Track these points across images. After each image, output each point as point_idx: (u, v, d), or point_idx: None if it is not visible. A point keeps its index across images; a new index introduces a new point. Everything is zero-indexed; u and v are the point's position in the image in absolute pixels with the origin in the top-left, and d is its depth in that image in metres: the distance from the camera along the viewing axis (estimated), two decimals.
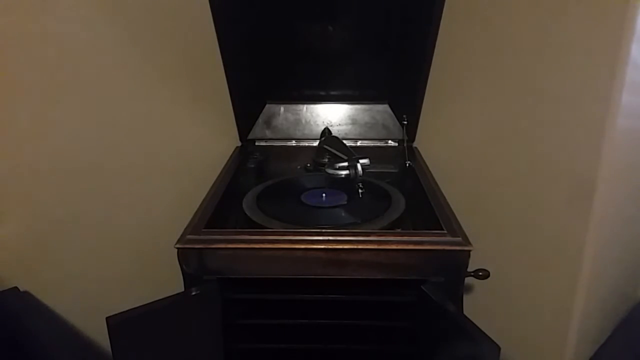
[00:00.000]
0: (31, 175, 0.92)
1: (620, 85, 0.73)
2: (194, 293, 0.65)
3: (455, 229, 0.68)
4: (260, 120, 1.10)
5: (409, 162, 0.98)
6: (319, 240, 0.66)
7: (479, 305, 0.94)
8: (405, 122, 1.01)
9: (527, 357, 0.94)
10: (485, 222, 0.96)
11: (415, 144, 1.08)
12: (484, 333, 0.56)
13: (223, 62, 0.92)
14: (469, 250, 0.65)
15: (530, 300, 0.93)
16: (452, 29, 0.92)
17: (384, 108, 1.09)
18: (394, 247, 0.65)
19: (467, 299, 0.71)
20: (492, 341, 0.54)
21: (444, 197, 0.80)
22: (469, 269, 0.67)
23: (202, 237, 0.67)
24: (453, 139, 1.06)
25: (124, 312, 0.59)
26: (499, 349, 0.53)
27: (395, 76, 1.03)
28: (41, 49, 0.88)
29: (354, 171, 0.85)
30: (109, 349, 0.58)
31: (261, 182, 0.93)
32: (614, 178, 0.80)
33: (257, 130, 1.10)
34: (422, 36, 0.89)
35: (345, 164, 0.86)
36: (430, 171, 0.94)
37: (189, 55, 1.01)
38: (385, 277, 0.67)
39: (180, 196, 0.95)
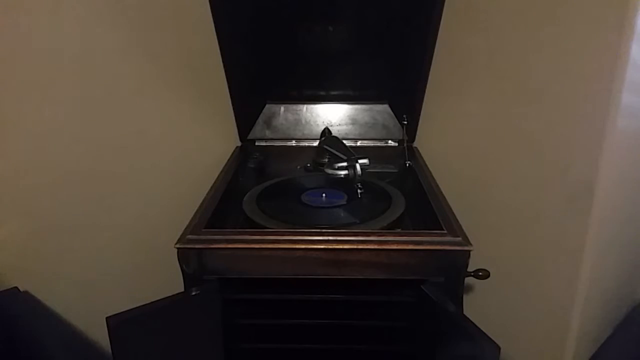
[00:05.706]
0: (31, 175, 0.92)
1: (620, 85, 0.74)
2: (194, 293, 0.65)
3: (455, 229, 0.68)
4: (260, 120, 1.10)
5: (409, 162, 0.98)
6: (319, 240, 0.66)
7: (479, 305, 0.94)
8: (405, 122, 1.01)
9: (527, 357, 0.94)
10: (485, 222, 0.96)
11: (415, 144, 1.08)
12: (484, 333, 0.56)
13: (223, 62, 0.92)
14: (469, 250, 0.65)
15: (530, 300, 0.93)
16: (451, 29, 0.92)
17: (384, 108, 1.09)
18: (394, 247, 0.65)
19: (467, 299, 0.71)
20: (492, 341, 0.54)
21: (444, 197, 0.80)
22: (469, 269, 0.67)
23: (202, 237, 0.66)
24: (453, 139, 1.06)
25: (124, 312, 0.59)
26: (499, 349, 0.53)
27: (395, 76, 1.03)
28: (42, 49, 0.88)
29: (352, 171, 0.85)
30: (109, 349, 0.58)
31: (261, 182, 0.93)
32: (614, 178, 0.80)
33: (257, 130, 1.09)
34: (422, 36, 0.89)
35: (345, 164, 0.86)
36: (430, 171, 0.94)
37: (189, 55, 1.01)
38: (385, 277, 0.67)
39: (180, 196, 0.95)
